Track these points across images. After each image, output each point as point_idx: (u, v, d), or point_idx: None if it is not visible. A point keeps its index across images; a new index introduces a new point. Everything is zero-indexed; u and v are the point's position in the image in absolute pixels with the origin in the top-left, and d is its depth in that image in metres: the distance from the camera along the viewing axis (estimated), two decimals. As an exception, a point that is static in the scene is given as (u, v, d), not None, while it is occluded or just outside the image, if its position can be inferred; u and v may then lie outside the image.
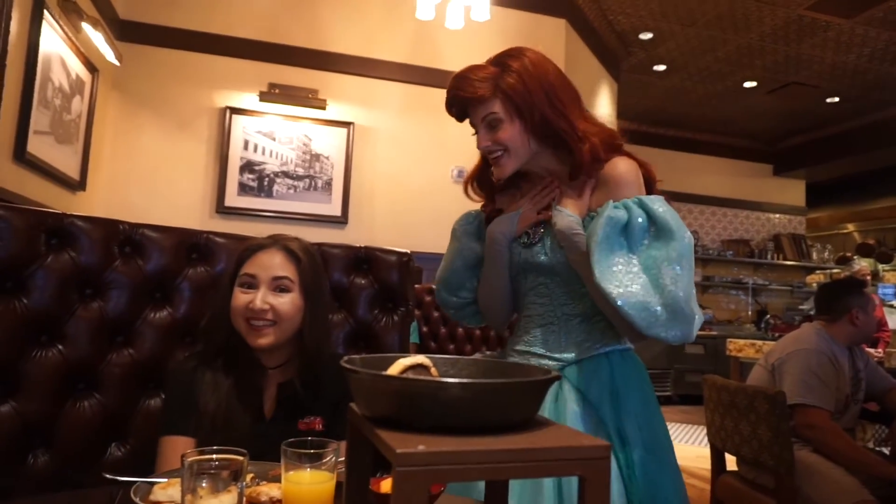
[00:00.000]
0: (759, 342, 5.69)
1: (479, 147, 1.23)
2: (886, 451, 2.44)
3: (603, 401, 1.15)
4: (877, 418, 2.48)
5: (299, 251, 1.21)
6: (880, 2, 4.77)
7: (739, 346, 5.71)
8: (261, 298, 1.14)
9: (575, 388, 1.16)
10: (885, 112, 6.93)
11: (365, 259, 1.56)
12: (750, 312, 8.00)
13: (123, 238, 1.37)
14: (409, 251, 1.61)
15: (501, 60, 1.20)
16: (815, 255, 8.26)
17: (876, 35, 5.33)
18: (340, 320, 1.50)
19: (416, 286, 3.52)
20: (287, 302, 1.16)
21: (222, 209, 4.02)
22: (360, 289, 1.54)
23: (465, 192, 1.36)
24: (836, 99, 6.74)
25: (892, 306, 6.37)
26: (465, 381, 0.48)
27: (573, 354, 1.19)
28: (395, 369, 0.52)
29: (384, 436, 0.47)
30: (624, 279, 1.06)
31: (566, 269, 1.19)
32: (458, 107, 1.23)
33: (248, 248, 1.20)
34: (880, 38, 5.39)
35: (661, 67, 6.25)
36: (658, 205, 1.12)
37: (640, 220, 1.10)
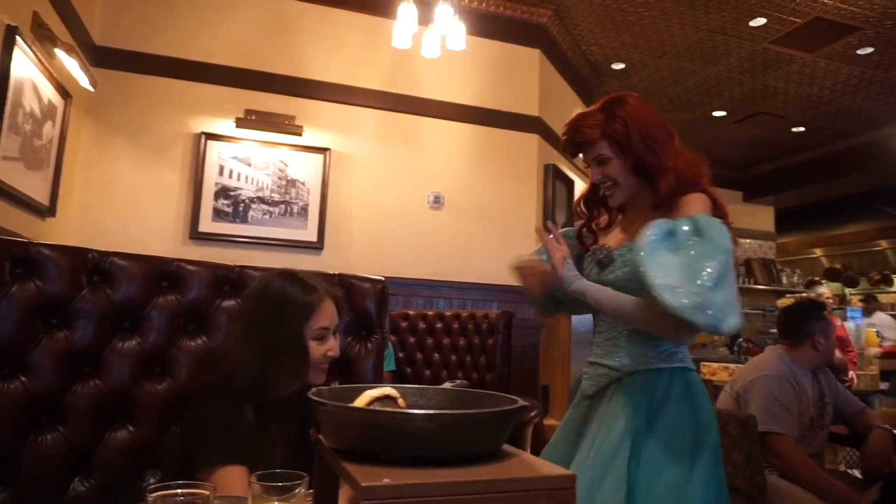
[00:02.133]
0: (732, 365, 5.78)
1: (593, 180, 1.49)
2: (858, 473, 2.47)
3: (640, 413, 1.32)
4: (846, 441, 2.52)
5: (341, 297, 1.38)
6: (839, 38, 4.97)
7: (713, 370, 5.78)
8: (337, 346, 1.31)
9: (624, 399, 1.35)
10: (848, 142, 7.16)
11: (340, 287, 1.55)
12: (723, 336, 8.10)
13: (92, 266, 1.35)
14: (384, 278, 1.61)
15: (608, 107, 1.43)
16: (784, 280, 8.43)
17: (836, 69, 5.53)
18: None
19: (392, 312, 3.51)
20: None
21: (196, 235, 3.98)
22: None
23: (574, 208, 1.63)
24: (802, 129, 6.95)
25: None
26: (430, 412, 0.48)
27: (630, 365, 1.38)
28: (361, 401, 0.52)
29: (350, 468, 0.47)
30: (664, 270, 1.21)
31: (630, 287, 1.36)
32: (572, 148, 1.47)
33: (312, 303, 1.28)
34: (841, 72, 5.60)
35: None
36: (703, 219, 1.28)
37: (685, 227, 1.27)
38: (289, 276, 1.31)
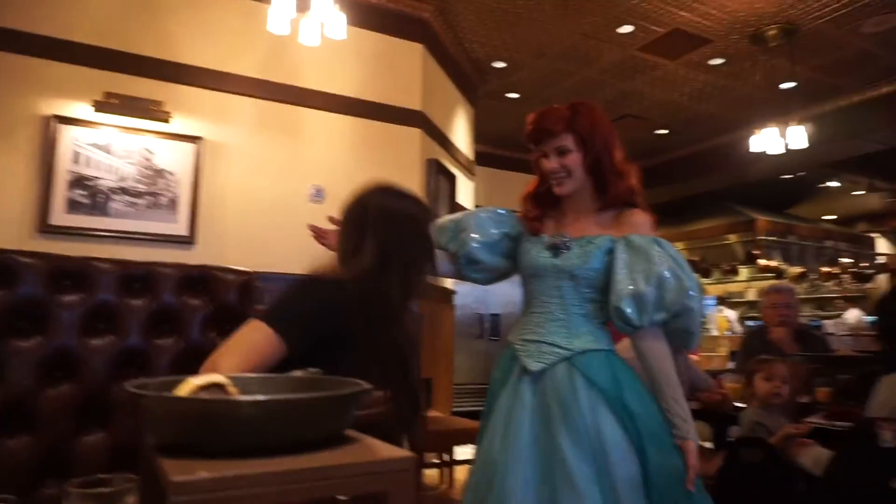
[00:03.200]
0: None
1: (546, 168, 1.56)
2: (708, 444, 2.69)
3: (608, 384, 1.41)
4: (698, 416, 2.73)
5: None
6: (695, 48, 5.42)
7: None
8: None
9: (583, 375, 1.42)
10: (704, 144, 7.84)
11: (200, 278, 1.46)
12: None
13: None
14: (249, 270, 1.53)
15: (575, 107, 1.55)
16: (651, 272, 9.08)
17: (694, 77, 6.03)
18: (170, 343, 1.39)
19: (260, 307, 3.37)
20: None
21: (47, 228, 3.60)
22: (194, 310, 1.44)
23: (522, 203, 1.66)
24: (665, 131, 7.51)
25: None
26: (256, 398, 0.45)
27: (580, 347, 1.46)
28: (184, 390, 0.47)
29: (163, 463, 0.43)
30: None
31: (586, 276, 1.49)
32: (537, 135, 1.56)
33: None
34: (698, 80, 6.10)
35: (515, 95, 6.60)
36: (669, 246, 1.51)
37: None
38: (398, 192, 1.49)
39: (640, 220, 1.54)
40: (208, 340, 1.44)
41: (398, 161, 4.69)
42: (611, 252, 1.49)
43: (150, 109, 3.88)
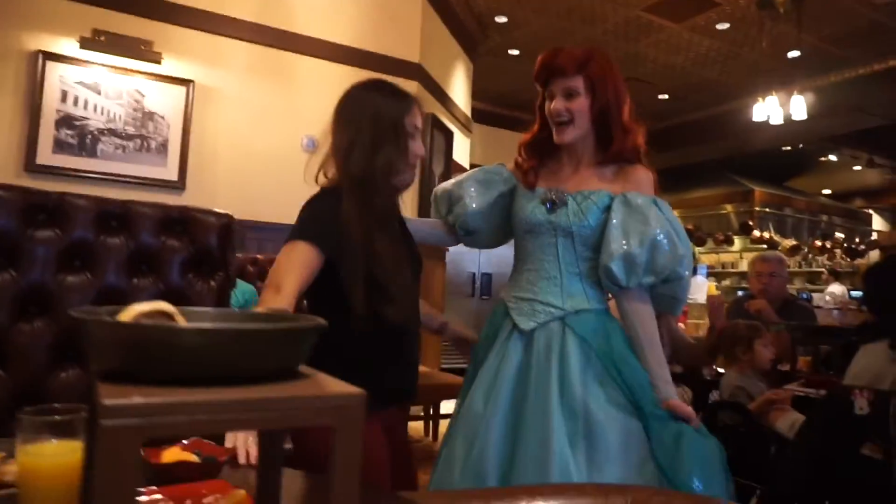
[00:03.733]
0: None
1: (551, 110, 1.47)
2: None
3: (601, 344, 1.40)
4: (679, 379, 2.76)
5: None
6: (701, 11, 5.29)
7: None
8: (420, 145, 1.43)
9: (576, 335, 1.40)
10: (705, 112, 7.74)
11: (179, 220, 1.44)
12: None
13: None
14: (230, 213, 1.51)
15: (590, 52, 1.46)
16: (645, 239, 9.08)
17: (699, 41, 5.90)
18: (148, 284, 1.38)
19: (239, 255, 3.34)
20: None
21: (33, 168, 3.55)
22: (173, 251, 1.42)
23: (519, 150, 1.59)
24: (666, 96, 7.40)
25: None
26: (200, 326, 0.44)
27: (574, 306, 1.43)
28: (127, 315, 0.46)
29: (100, 388, 0.41)
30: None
31: (581, 233, 1.44)
32: (547, 73, 1.47)
33: (409, 102, 1.41)
34: (702, 45, 5.98)
35: (516, 52, 6.46)
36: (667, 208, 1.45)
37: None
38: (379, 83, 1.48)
39: (643, 177, 1.47)
40: (188, 283, 1.42)
41: (394, 114, 4.61)
42: (608, 209, 1.43)
43: (140, 49, 3.78)
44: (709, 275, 7.96)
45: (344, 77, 4.51)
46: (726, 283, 9.44)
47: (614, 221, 1.40)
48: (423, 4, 4.78)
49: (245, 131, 4.13)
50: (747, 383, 2.13)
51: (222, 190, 4.06)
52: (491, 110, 7.68)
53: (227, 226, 1.47)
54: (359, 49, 4.49)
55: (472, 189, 1.62)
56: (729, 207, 9.93)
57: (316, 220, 1.31)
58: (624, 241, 1.38)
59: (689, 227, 9.91)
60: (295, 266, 1.24)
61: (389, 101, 1.38)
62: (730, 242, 9.69)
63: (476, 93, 6.39)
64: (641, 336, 1.42)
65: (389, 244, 1.31)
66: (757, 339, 2.19)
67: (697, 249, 9.99)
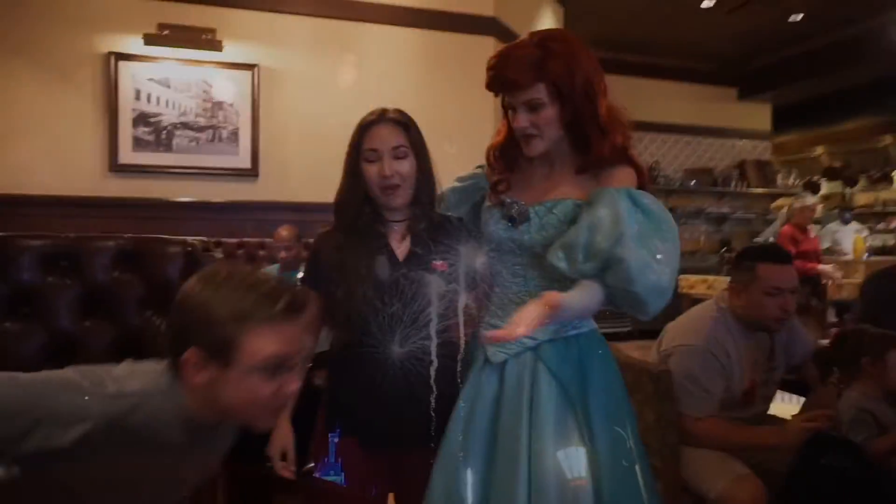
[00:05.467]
0: (711, 278, 5.54)
1: (516, 125, 1.28)
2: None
3: (572, 381, 1.25)
4: (794, 390, 2.24)
5: (406, 120, 1.34)
6: None
7: (691, 283, 5.53)
8: (387, 167, 1.29)
9: (548, 369, 1.25)
10: (852, 28, 6.52)
11: (132, 253, 1.28)
12: (714, 244, 7.82)
13: None
14: (193, 240, 1.33)
15: (545, 44, 1.23)
16: (779, 181, 8.03)
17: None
18: (93, 326, 1.24)
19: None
20: (406, 165, 1.31)
21: (117, 167, 3.67)
22: (129, 288, 1.27)
23: (487, 159, 1.42)
24: (800, 16, 6.32)
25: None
26: None
27: (545, 334, 1.25)
28: None
29: None
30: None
31: (544, 252, 1.25)
32: (499, 86, 1.27)
33: (363, 125, 1.34)
34: (843, -53, 4.95)
35: (614, -13, 5.78)
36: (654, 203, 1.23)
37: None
38: None
39: (621, 178, 1.26)
40: (144, 321, 1.27)
41: (469, 75, 4.24)
42: (574, 221, 1.23)
43: (201, 38, 3.74)
44: (857, 219, 6.82)
45: (412, 41, 4.24)
46: (883, 231, 8.07)
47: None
48: (496, -52, 4.34)
49: (314, 111, 4.00)
50: (876, 407, 1.64)
51: (295, 174, 3.99)
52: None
53: (190, 254, 1.30)
54: (424, 8, 4.17)
55: (453, 198, 1.45)
56: (887, 139, 8.47)
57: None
58: (569, 232, 1.22)
59: (838, 164, 8.63)
60: None
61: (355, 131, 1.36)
62: (888, 180, 8.30)
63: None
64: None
65: (354, 263, 1.27)
66: (893, 349, 1.67)
67: (849, 190, 8.69)
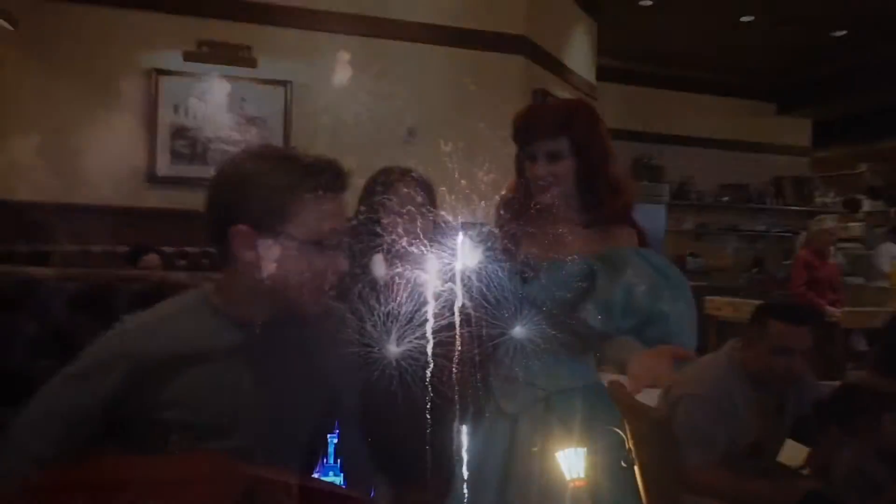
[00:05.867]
0: (739, 300, 5.39)
1: (534, 174, 1.35)
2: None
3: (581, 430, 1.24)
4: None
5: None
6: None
7: (718, 305, 5.42)
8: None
9: (560, 420, 1.27)
10: (893, 45, 6.34)
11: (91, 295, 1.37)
12: (746, 262, 7.68)
13: None
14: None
15: (570, 107, 1.40)
16: (817, 198, 7.83)
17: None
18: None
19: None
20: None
21: (155, 179, 3.83)
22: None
23: (497, 211, 1.43)
24: (843, 32, 6.17)
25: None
26: None
27: (558, 385, 1.30)
28: None
29: None
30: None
31: (555, 306, 1.26)
32: (526, 135, 1.37)
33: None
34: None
35: (648, 2, 5.73)
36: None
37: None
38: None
39: (625, 238, 1.35)
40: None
41: (497, 93, 4.29)
42: (586, 278, 1.29)
43: (237, 56, 3.87)
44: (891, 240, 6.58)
45: (442, 59, 4.29)
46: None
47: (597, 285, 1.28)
48: (527, -35, 4.36)
49: (344, 127, 4.08)
50: (871, 466, 1.62)
51: (324, 188, 4.08)
52: (622, 66, 6.93)
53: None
54: (454, 27, 4.23)
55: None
56: (935, 157, 8.19)
57: None
58: (600, 293, 1.27)
59: (880, 183, 8.38)
60: None
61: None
62: (933, 201, 8.02)
63: (605, 49, 5.80)
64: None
65: None
66: (890, 412, 1.65)
67: (893, 209, 8.40)
